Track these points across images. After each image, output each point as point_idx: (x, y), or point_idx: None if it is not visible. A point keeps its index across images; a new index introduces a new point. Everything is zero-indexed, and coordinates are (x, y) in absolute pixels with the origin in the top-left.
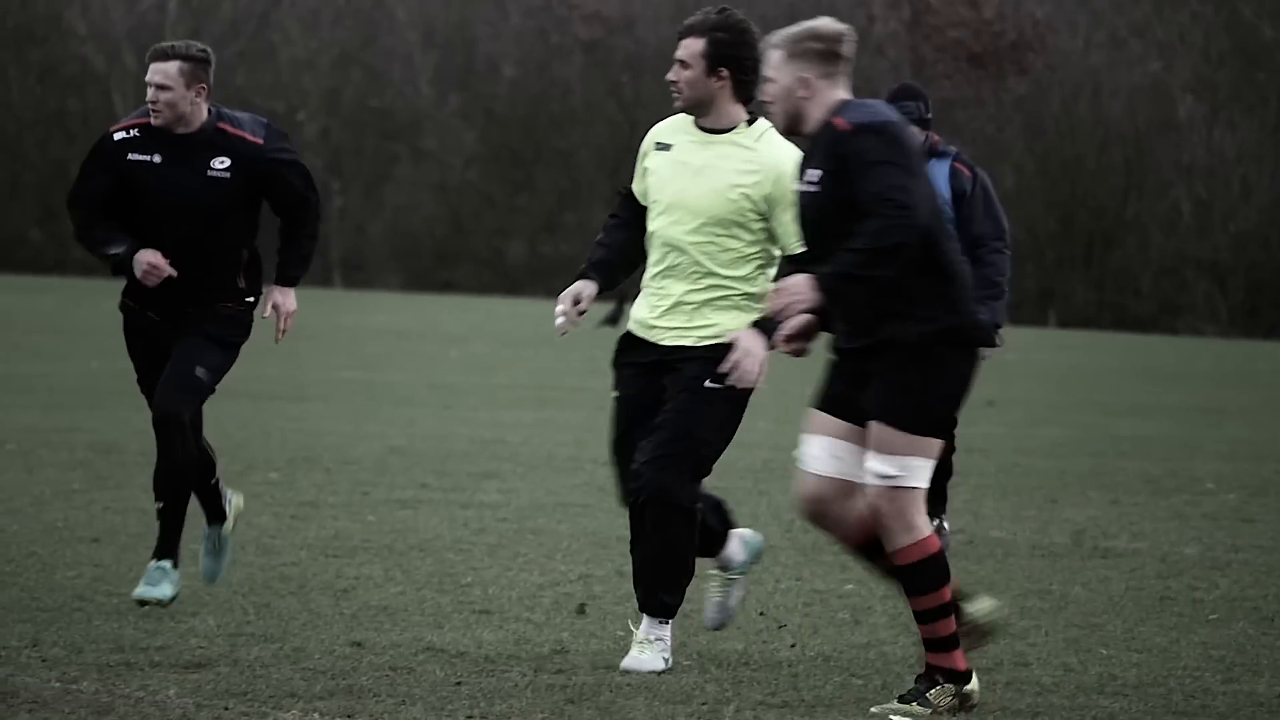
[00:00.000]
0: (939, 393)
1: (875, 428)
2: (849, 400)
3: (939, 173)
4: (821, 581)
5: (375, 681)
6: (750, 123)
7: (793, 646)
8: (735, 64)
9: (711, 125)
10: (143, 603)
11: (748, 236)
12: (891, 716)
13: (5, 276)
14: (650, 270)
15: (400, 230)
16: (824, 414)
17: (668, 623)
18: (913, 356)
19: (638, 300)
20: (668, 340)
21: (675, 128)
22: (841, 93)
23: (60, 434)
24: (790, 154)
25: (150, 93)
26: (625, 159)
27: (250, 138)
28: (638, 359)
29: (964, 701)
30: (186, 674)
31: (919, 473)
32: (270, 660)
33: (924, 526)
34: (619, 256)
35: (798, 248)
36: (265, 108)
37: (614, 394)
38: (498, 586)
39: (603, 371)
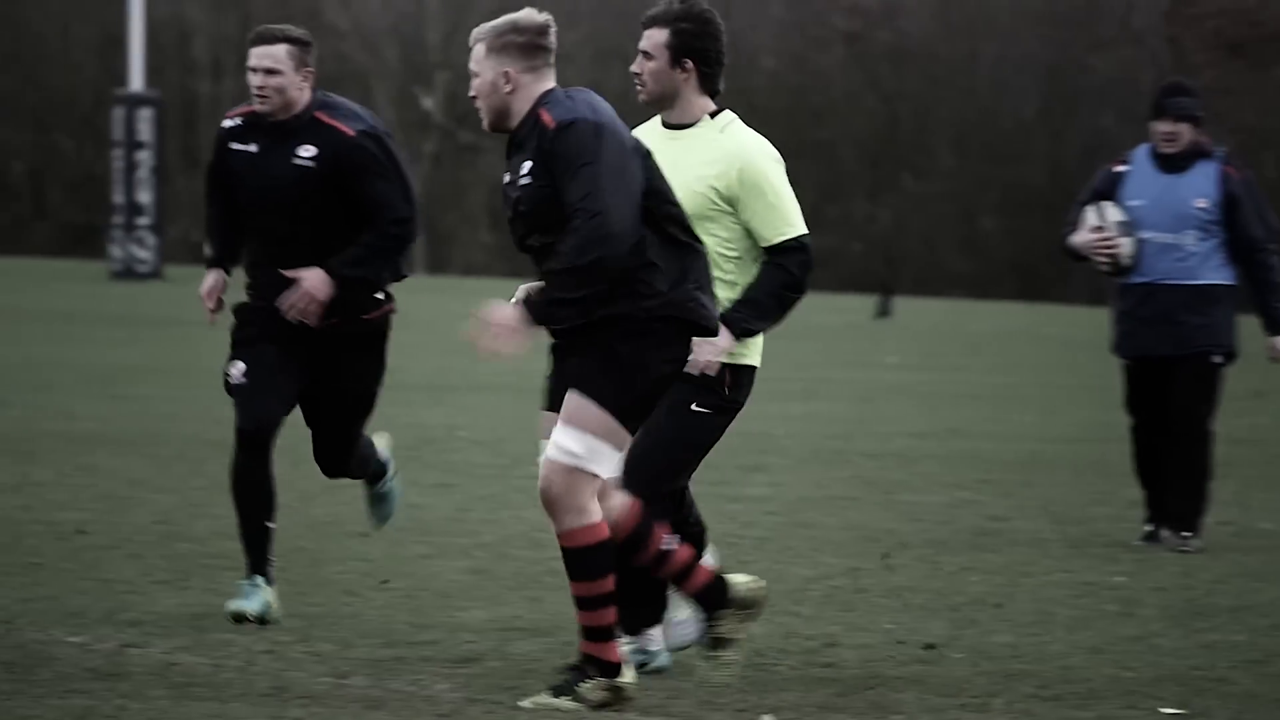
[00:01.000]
0: (646, 372)
1: (570, 398)
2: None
3: (1206, 175)
4: (1091, 574)
5: (647, 675)
6: (714, 115)
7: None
8: (700, 55)
9: (676, 120)
10: (238, 618)
11: (723, 234)
12: (534, 705)
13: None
14: None
15: None
16: (550, 412)
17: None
18: (627, 331)
19: None
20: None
21: (647, 130)
22: (546, 85)
23: None
24: (754, 141)
25: (257, 78)
26: (886, 151)
27: (343, 128)
28: None
29: (616, 695)
30: (456, 669)
31: (602, 460)
32: (541, 654)
33: (595, 511)
34: None
35: (776, 236)
36: None
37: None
38: (766, 580)
39: (870, 364)
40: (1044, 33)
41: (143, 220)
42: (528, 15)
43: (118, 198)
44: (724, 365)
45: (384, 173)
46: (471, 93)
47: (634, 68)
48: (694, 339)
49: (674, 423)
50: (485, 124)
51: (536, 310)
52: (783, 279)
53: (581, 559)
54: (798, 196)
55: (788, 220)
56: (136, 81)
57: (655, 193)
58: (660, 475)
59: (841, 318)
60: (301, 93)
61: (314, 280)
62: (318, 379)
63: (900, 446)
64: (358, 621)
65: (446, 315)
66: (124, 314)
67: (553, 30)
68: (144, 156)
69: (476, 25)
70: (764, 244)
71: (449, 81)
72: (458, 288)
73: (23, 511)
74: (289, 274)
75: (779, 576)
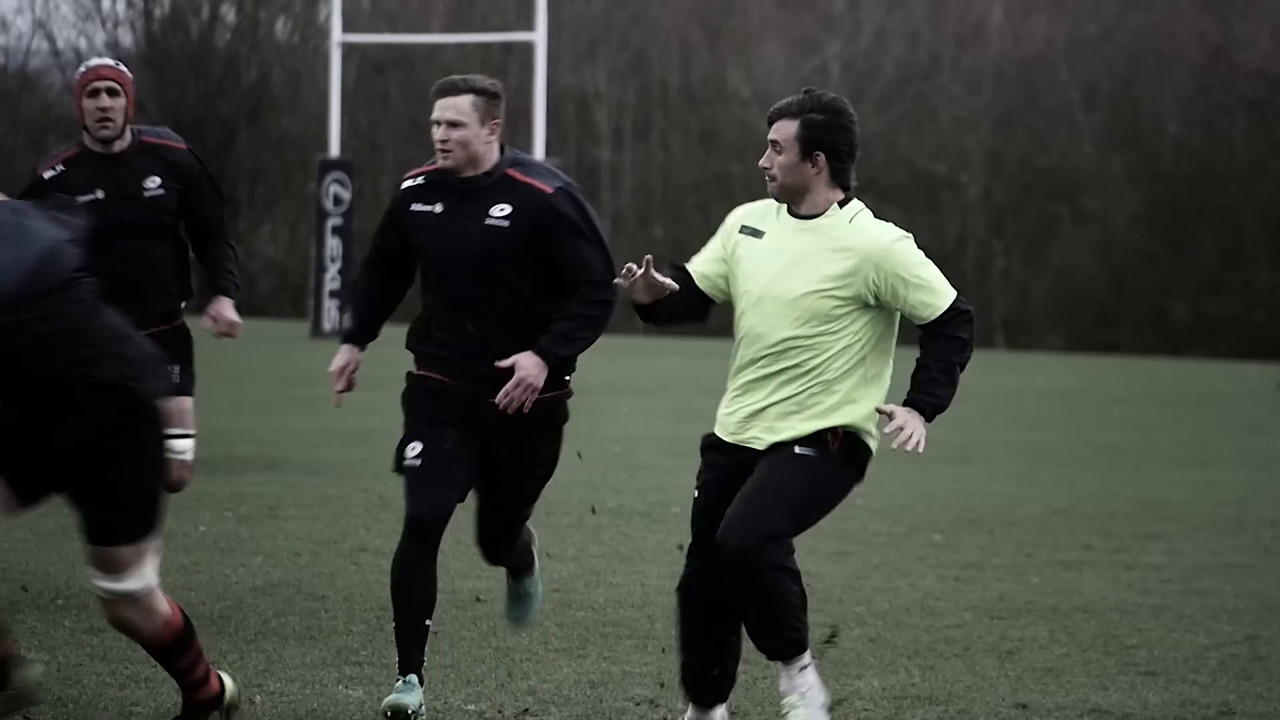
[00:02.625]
0: None
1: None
2: None
3: None
4: None
5: None
6: (843, 204)
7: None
8: (831, 148)
9: (806, 211)
10: (396, 713)
11: (847, 331)
12: None
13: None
14: (737, 370)
15: (1062, 290)
16: None
17: (803, 662)
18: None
19: (724, 401)
20: (757, 444)
21: (766, 213)
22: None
23: None
24: (886, 231)
25: (439, 131)
26: None
27: (540, 185)
28: (723, 460)
29: None
30: None
31: None
32: None
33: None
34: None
35: (933, 314)
36: (927, 169)
37: (694, 494)
38: (1163, 648)
39: (1269, 432)
40: None
41: None
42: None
43: None
44: (845, 435)
45: (583, 233)
46: (768, 165)
47: (763, 162)
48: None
49: (779, 466)
50: (776, 194)
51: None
52: (956, 346)
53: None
54: (1199, 263)
55: (939, 291)
56: (539, 149)
57: None
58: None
59: (1242, 385)
60: (489, 148)
61: (530, 367)
62: (494, 462)
63: None
64: (754, 689)
65: None
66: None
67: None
68: None
69: (879, 93)
70: (927, 321)
71: None
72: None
73: None
74: (502, 365)
75: (1175, 644)
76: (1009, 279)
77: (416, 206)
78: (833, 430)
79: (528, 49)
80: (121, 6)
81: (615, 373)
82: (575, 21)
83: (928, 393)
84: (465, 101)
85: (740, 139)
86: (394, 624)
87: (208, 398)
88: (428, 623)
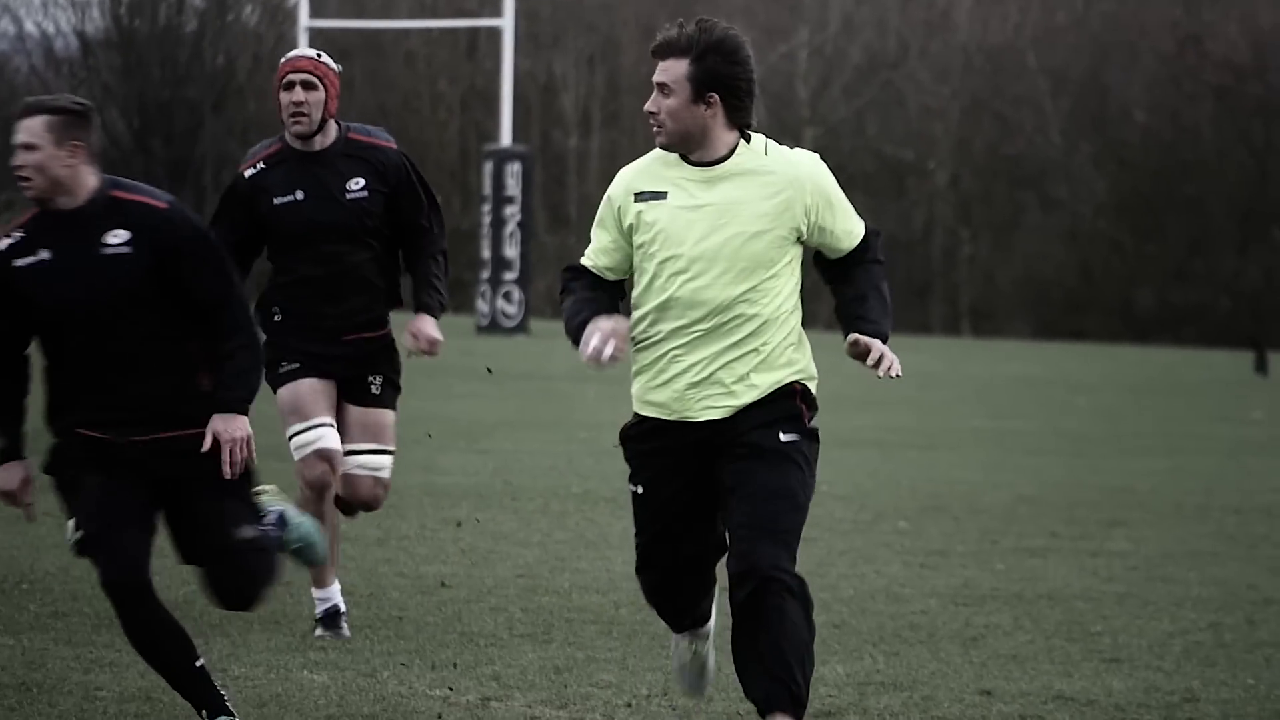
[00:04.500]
0: None
1: None
2: None
3: None
4: None
5: None
6: (747, 141)
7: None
8: (727, 86)
9: (708, 157)
10: None
11: (785, 271)
12: None
13: None
14: (656, 341)
15: (1030, 278)
16: None
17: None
18: None
19: (641, 381)
20: (711, 414)
21: (656, 172)
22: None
23: None
24: (805, 155)
25: (18, 156)
26: (1256, 206)
27: (152, 202)
28: (669, 443)
29: None
30: None
31: None
32: (899, 709)
33: None
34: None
35: (854, 241)
36: (895, 156)
37: (635, 489)
38: (1127, 635)
39: (1236, 420)
40: None
41: (509, 275)
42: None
43: (485, 253)
44: (804, 391)
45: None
46: (654, 109)
47: (649, 106)
48: (875, 351)
49: (777, 467)
50: (665, 143)
51: None
52: (881, 272)
53: None
54: (1166, 251)
55: (854, 216)
56: (505, 137)
57: None
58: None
59: (1209, 373)
60: (72, 170)
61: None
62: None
63: (1265, 502)
64: (717, 676)
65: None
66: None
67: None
68: (511, 211)
69: (847, 80)
70: (844, 253)
71: (818, 136)
72: (823, 343)
73: (387, 565)
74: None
75: (1140, 631)
76: (976, 266)
77: (20, 262)
78: (795, 391)
79: (495, 35)
80: None
81: (579, 360)
82: (542, 7)
83: (874, 321)
84: (38, 123)
85: None
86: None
87: None
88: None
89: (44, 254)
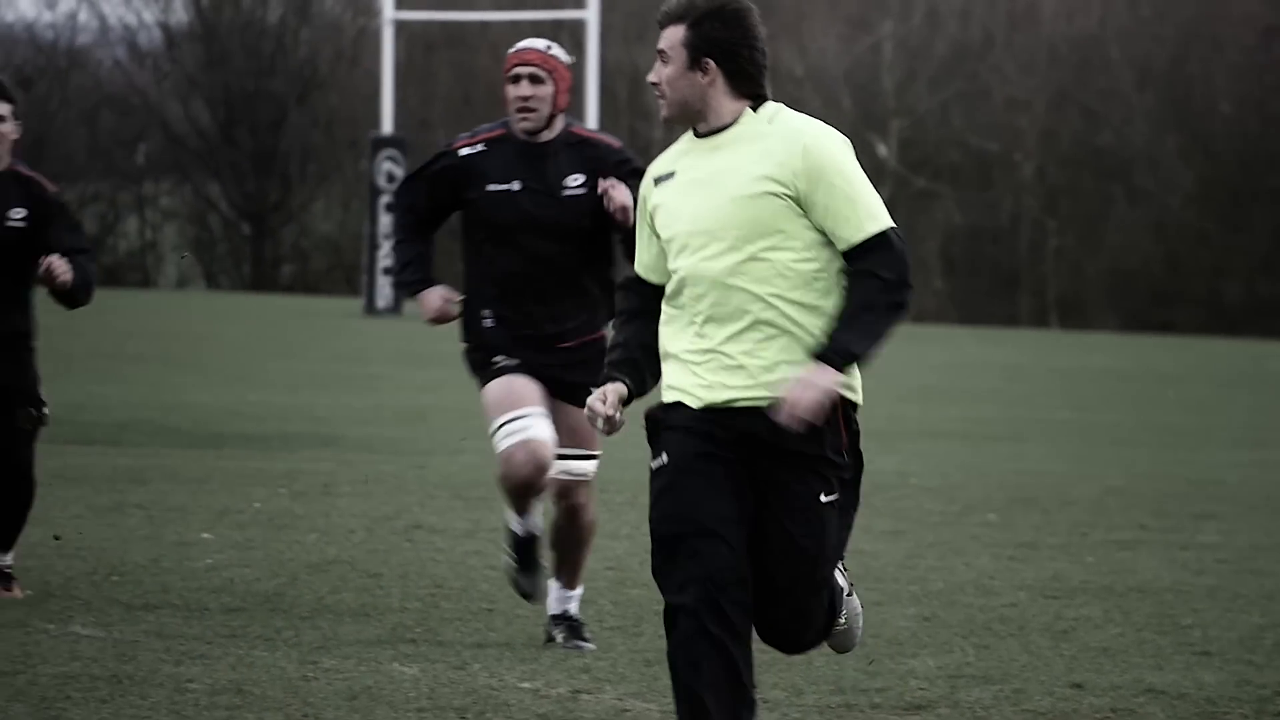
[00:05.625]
0: None
1: None
2: None
3: None
4: None
5: None
6: (756, 108)
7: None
8: (724, 52)
9: (713, 126)
10: None
11: (798, 245)
12: None
13: None
14: (678, 332)
15: (1117, 270)
16: None
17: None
18: None
19: (668, 369)
20: (723, 397)
21: (673, 154)
22: None
23: None
24: (815, 124)
25: None
26: None
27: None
28: (691, 422)
29: None
30: (906, 715)
31: None
32: (990, 702)
33: None
34: (641, 353)
35: (858, 234)
36: (980, 148)
37: (658, 463)
38: (1218, 628)
39: None
40: None
41: None
42: None
43: None
44: (837, 409)
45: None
46: (655, 79)
47: (651, 76)
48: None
49: (809, 529)
50: (668, 115)
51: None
52: (878, 286)
53: None
54: (1253, 242)
55: (870, 212)
56: (592, 125)
57: None
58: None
59: None
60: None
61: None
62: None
63: None
64: (808, 669)
65: (900, 362)
66: None
67: None
68: None
69: (932, 72)
70: (845, 246)
71: (903, 128)
72: (911, 334)
73: (476, 557)
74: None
75: (1230, 625)
76: (1063, 258)
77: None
78: (835, 416)
79: (579, 27)
80: None
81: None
82: (627, 0)
83: (832, 339)
84: None
85: None
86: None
87: (262, 375)
88: None
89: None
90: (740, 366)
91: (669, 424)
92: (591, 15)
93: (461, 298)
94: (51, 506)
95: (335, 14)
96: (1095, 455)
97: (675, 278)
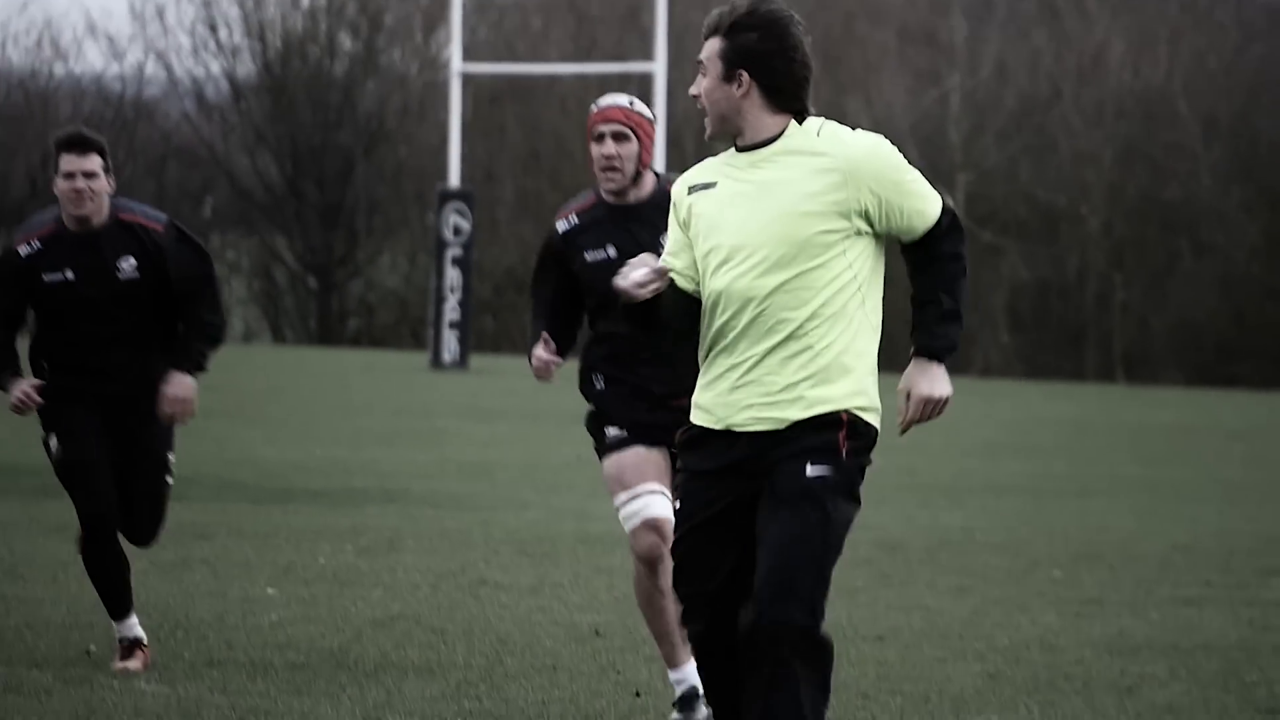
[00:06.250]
0: None
1: None
2: None
3: None
4: None
5: None
6: (800, 123)
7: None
8: (759, 64)
9: (752, 140)
10: None
11: (841, 261)
12: None
13: None
14: (709, 345)
15: (1183, 324)
16: None
17: None
18: None
19: (698, 384)
20: (754, 425)
21: (711, 165)
22: None
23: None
24: (864, 135)
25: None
26: None
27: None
28: (706, 463)
29: None
30: None
31: None
32: None
33: None
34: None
35: (927, 223)
36: (1047, 201)
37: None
38: None
39: None
40: None
41: None
42: None
43: None
44: (853, 422)
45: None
46: (696, 92)
47: (692, 89)
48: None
49: (797, 510)
50: (709, 128)
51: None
52: (958, 265)
53: None
54: None
55: (929, 197)
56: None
57: None
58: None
59: None
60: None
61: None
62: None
63: None
64: None
65: (966, 417)
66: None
67: None
68: None
69: (1000, 125)
70: (914, 237)
71: (970, 182)
72: (977, 389)
73: (540, 613)
74: None
75: None
76: (1129, 313)
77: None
78: (840, 422)
79: (647, 79)
80: (239, 34)
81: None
82: (695, 51)
83: (932, 334)
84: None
85: None
86: None
87: (328, 429)
88: None
89: None
90: (765, 383)
91: (687, 466)
92: (659, 68)
93: (563, 361)
94: None
95: (402, 67)
96: (1161, 511)
97: (711, 291)
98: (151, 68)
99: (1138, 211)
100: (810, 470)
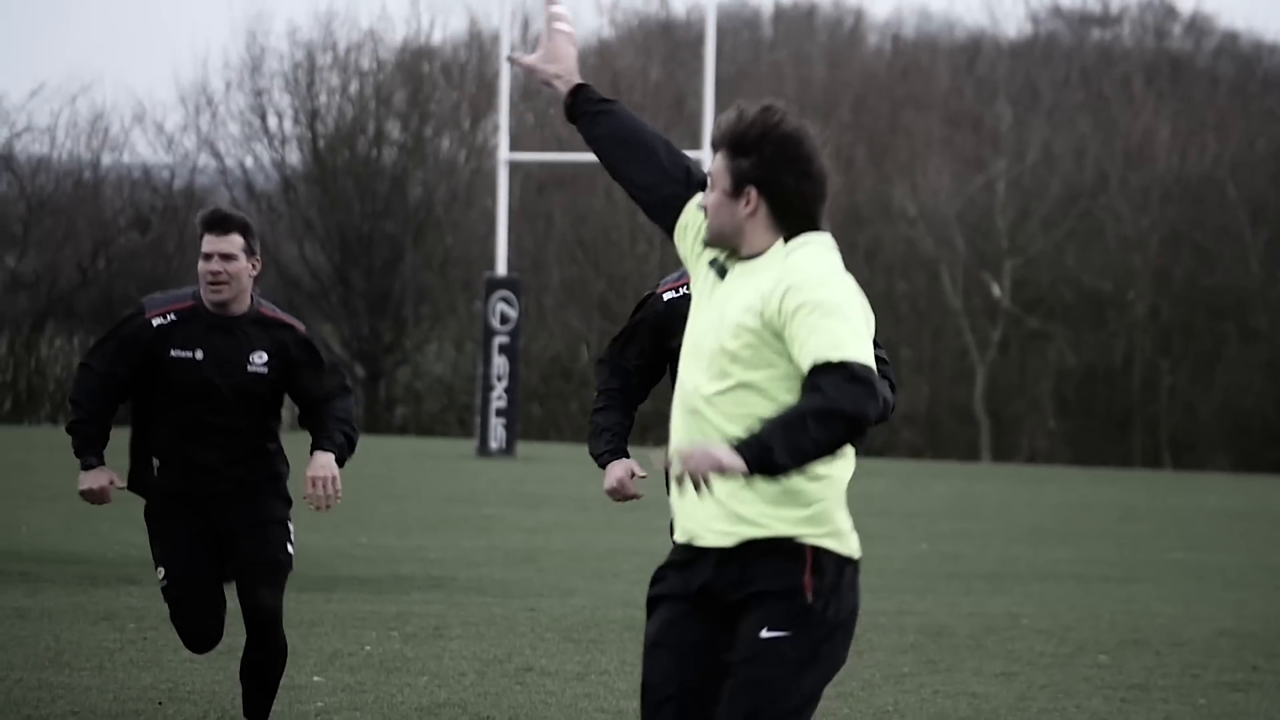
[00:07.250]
0: None
1: None
2: None
3: None
4: None
5: None
6: (788, 240)
7: None
8: (769, 183)
9: (745, 254)
10: None
11: (775, 372)
12: None
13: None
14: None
15: (1230, 409)
16: None
17: None
18: None
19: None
20: (711, 538)
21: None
22: None
23: (890, 616)
24: (820, 262)
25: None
26: None
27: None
28: (675, 587)
29: None
30: None
31: None
32: None
33: None
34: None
35: (811, 360)
36: (1094, 287)
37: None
38: None
39: None
40: None
41: None
42: None
43: None
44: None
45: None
46: (704, 204)
47: (699, 199)
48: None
49: (753, 677)
50: (707, 238)
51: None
52: (816, 402)
53: None
54: None
55: (835, 343)
56: None
57: None
58: None
59: None
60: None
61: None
62: None
63: None
64: None
65: (1013, 503)
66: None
67: None
68: None
69: (1046, 211)
70: (804, 370)
71: (1017, 268)
72: (1023, 475)
73: (587, 700)
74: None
75: None
76: (1176, 398)
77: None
78: (803, 557)
79: None
80: (289, 124)
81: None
82: None
83: (753, 433)
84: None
85: (906, 257)
86: None
87: (374, 517)
88: None
89: None
90: (715, 497)
91: (657, 578)
92: (706, 156)
93: (644, 474)
94: (163, 650)
95: (449, 155)
96: (1207, 596)
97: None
98: (202, 158)
99: (1184, 297)
100: (765, 634)
